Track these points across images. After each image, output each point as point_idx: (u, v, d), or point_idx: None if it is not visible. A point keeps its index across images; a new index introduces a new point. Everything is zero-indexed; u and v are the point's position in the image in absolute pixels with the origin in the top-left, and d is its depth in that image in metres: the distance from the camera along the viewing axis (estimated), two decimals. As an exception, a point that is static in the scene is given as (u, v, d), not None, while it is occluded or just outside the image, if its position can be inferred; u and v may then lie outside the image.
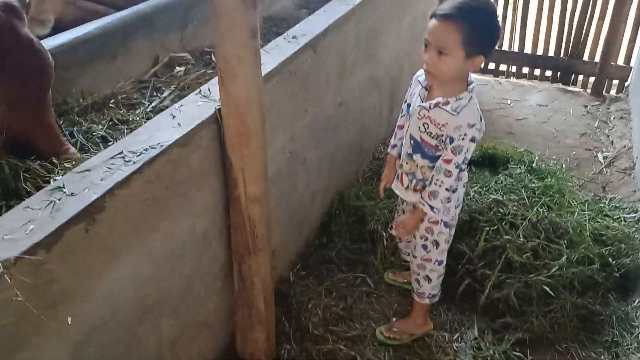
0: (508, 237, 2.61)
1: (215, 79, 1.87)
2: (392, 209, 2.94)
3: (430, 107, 2.08)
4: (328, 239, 3.05)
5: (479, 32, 1.91)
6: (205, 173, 1.89)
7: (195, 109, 1.91)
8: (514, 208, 2.69)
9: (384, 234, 2.91)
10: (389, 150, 2.44)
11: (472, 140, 2.03)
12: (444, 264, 2.42)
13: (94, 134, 2.32)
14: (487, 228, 2.66)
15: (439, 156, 2.11)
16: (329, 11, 2.81)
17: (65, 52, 2.47)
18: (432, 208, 2.14)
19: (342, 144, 3.18)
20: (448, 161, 2.06)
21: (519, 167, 3.04)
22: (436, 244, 2.33)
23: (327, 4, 2.98)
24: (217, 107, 1.88)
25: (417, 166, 2.22)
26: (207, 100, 1.97)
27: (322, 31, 2.58)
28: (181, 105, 1.93)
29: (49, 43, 2.44)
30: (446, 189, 2.10)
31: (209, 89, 2.03)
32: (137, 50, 2.91)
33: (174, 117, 1.86)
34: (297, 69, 2.41)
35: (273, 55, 2.32)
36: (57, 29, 2.72)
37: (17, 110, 1.91)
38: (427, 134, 2.12)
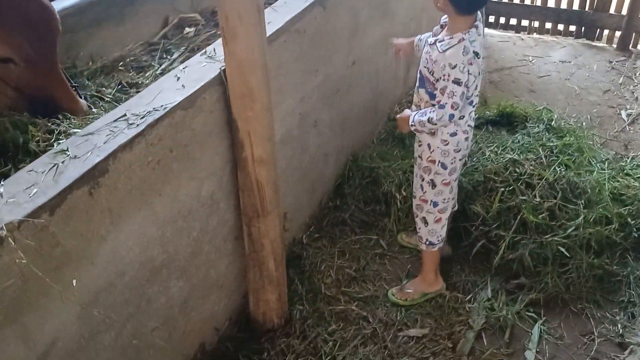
0: (524, 197, 2.56)
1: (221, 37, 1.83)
2: (406, 170, 2.91)
3: (430, 43, 2.20)
4: (341, 201, 3.04)
5: None
6: (210, 135, 1.87)
7: (199, 70, 1.88)
8: (531, 167, 2.63)
9: (398, 196, 2.88)
10: None
11: (456, 82, 2.06)
12: (442, 208, 2.41)
13: (104, 97, 2.31)
14: (503, 188, 2.61)
15: (435, 94, 2.18)
16: (339, -34, 2.72)
17: (72, 14, 2.44)
18: (412, 121, 2.25)
19: (356, 104, 3.12)
20: (438, 101, 2.15)
21: (538, 126, 2.96)
22: (432, 183, 2.35)
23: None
24: (222, 68, 1.85)
25: (421, 99, 2.31)
26: (212, 61, 1.94)
27: (331, -13, 2.50)
28: (185, 67, 1.90)
29: (56, 5, 2.41)
30: (428, 120, 2.18)
31: (214, 50, 2.00)
32: (146, 12, 2.86)
33: (178, 78, 1.83)
34: (306, 27, 2.35)
35: (280, 13, 2.26)
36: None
37: (35, 66, 1.94)
38: (426, 69, 2.20)
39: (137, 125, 1.58)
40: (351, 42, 2.86)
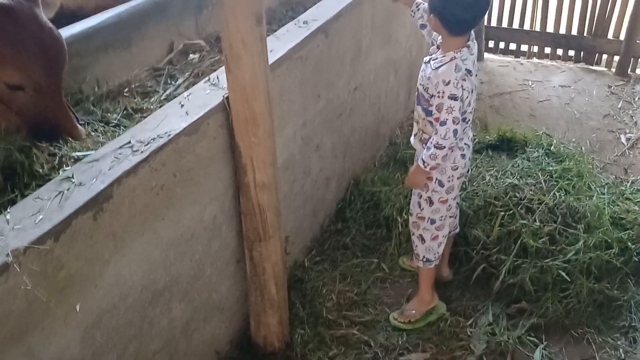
0: (524, 221, 2.58)
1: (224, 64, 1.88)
2: (407, 195, 2.93)
3: (425, 62, 2.28)
4: (343, 225, 3.06)
5: None
6: (213, 160, 1.91)
7: (203, 96, 1.92)
8: (531, 192, 2.65)
9: (399, 220, 2.90)
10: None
11: (452, 97, 2.11)
12: (439, 225, 2.42)
13: (109, 122, 2.35)
14: (503, 213, 2.63)
15: (431, 111, 2.21)
16: (341, -6, 2.78)
17: (80, 41, 2.50)
18: (423, 162, 2.24)
19: (358, 128, 3.16)
20: (437, 119, 2.17)
21: (537, 151, 2.99)
22: (429, 201, 2.38)
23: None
24: (225, 95, 1.89)
25: (419, 116, 2.35)
26: (215, 88, 1.98)
27: (333, 15, 2.56)
28: (190, 94, 1.94)
29: (64, 33, 2.47)
30: (434, 146, 2.18)
31: (217, 77, 2.04)
32: (152, 38, 2.92)
33: (182, 105, 1.87)
34: (308, 55, 2.40)
35: (283, 41, 2.31)
36: (80, 18, 2.75)
37: (43, 93, 1.98)
38: (422, 86, 2.27)
39: (142, 151, 1.61)
40: (353, 68, 2.91)
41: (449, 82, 2.11)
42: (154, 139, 1.68)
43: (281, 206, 2.17)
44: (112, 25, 2.67)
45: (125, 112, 2.48)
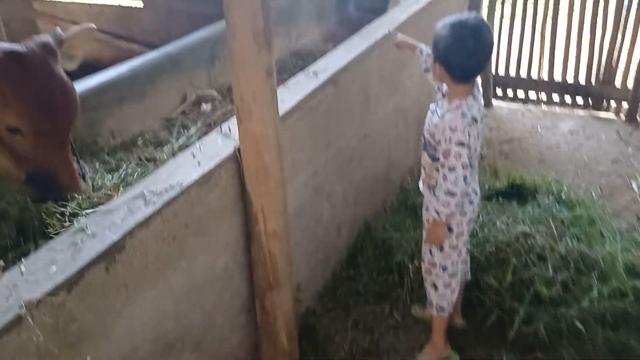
0: (536, 269, 2.55)
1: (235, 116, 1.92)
2: (418, 241, 2.92)
3: (432, 110, 2.31)
4: (355, 271, 3.04)
5: (434, 41, 2.17)
6: (224, 210, 1.93)
7: (215, 147, 1.96)
8: (542, 240, 2.64)
9: (411, 267, 2.88)
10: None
11: (459, 144, 2.12)
12: (451, 272, 2.41)
13: (122, 172, 2.39)
14: (515, 260, 2.61)
15: (438, 157, 2.23)
16: (349, 46, 2.86)
17: (96, 94, 2.59)
18: (437, 212, 2.24)
19: (368, 175, 3.19)
20: (442, 165, 2.19)
21: (547, 197, 2.98)
22: (440, 247, 2.37)
23: (350, 38, 3.03)
24: (236, 146, 1.93)
25: (426, 162, 2.37)
26: (227, 138, 2.02)
27: (342, 66, 2.62)
28: (202, 144, 1.98)
29: (80, 86, 2.55)
30: (445, 193, 2.18)
31: (229, 128, 2.08)
32: (165, 90, 3.01)
33: (194, 156, 1.91)
34: (318, 105, 2.45)
35: (293, 92, 2.36)
36: (95, 68, 2.85)
37: (45, 142, 1.99)
38: (428, 133, 2.30)
39: (154, 202, 1.64)
40: (362, 117, 2.96)
41: (455, 129, 2.13)
42: (166, 190, 1.71)
43: (292, 253, 2.18)
44: (127, 79, 2.76)
45: (139, 161, 2.53)
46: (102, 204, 1.87)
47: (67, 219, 1.82)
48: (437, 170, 2.26)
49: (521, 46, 5.05)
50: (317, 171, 2.58)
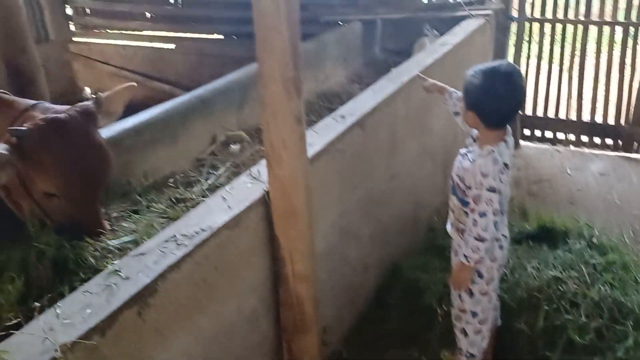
0: (569, 316, 2.49)
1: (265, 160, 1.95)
2: (447, 284, 2.88)
3: (462, 154, 2.31)
4: (382, 313, 3.00)
5: (466, 88, 2.19)
6: (253, 252, 1.95)
7: (245, 190, 1.99)
8: (575, 286, 2.58)
9: (439, 310, 2.84)
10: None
11: (490, 189, 2.11)
12: (481, 319, 2.36)
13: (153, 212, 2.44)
14: (547, 306, 2.55)
15: (467, 202, 2.22)
16: (377, 90, 2.90)
17: (131, 136, 2.65)
18: (465, 257, 2.21)
19: (395, 216, 3.18)
20: (472, 210, 2.17)
21: (579, 242, 2.93)
22: (470, 292, 2.33)
23: (377, 80, 3.08)
24: (266, 189, 1.96)
25: (455, 206, 2.35)
26: (256, 181, 2.05)
27: (369, 110, 2.65)
28: (232, 188, 2.02)
29: (116, 127, 2.63)
30: (474, 238, 2.16)
31: (258, 171, 2.12)
32: (196, 131, 3.07)
33: (224, 199, 1.94)
34: (346, 147, 2.48)
35: (321, 135, 2.40)
36: (128, 108, 2.93)
37: (76, 203, 2.02)
38: (457, 177, 2.28)
39: (186, 245, 1.67)
40: (389, 158, 2.98)
41: (487, 175, 2.12)
42: (197, 233, 1.73)
43: (319, 295, 2.17)
44: (160, 121, 2.84)
45: (169, 201, 2.58)
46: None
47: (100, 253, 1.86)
48: (466, 214, 2.25)
49: (549, 86, 5.05)
50: (345, 212, 2.59)
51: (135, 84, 2.31)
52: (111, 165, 2.10)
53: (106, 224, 2.10)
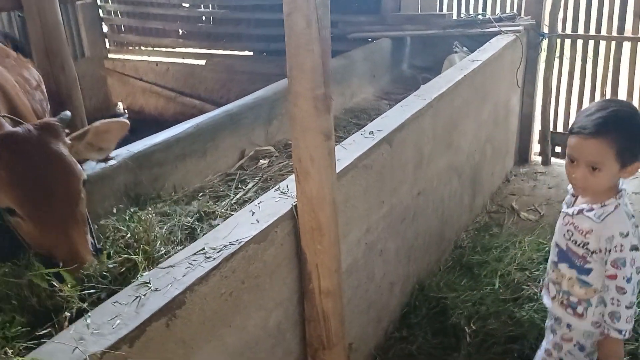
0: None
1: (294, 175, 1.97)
2: (475, 302, 2.85)
3: (573, 214, 2.04)
4: (408, 332, 2.97)
5: (631, 142, 1.88)
6: (279, 267, 1.96)
7: (273, 205, 2.01)
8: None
9: (467, 330, 2.80)
10: None
11: (634, 248, 1.91)
12: None
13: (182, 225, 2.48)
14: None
15: (588, 269, 2.01)
16: (405, 106, 2.90)
17: (161, 150, 2.71)
18: (619, 331, 1.96)
19: (421, 233, 3.17)
20: (614, 277, 1.93)
21: None
22: None
23: (404, 97, 3.09)
24: (294, 204, 1.97)
25: (563, 276, 2.11)
26: (284, 196, 2.07)
27: (397, 126, 2.66)
28: (260, 202, 2.04)
29: (147, 142, 2.69)
30: (626, 307, 1.94)
31: (287, 186, 2.13)
32: (225, 146, 3.12)
33: (252, 213, 1.96)
34: (373, 163, 2.48)
35: (349, 150, 2.41)
36: (160, 122, 3.01)
37: (43, 226, 1.85)
38: (572, 242, 2.04)
39: (214, 259, 1.69)
40: (416, 174, 2.97)
41: (627, 234, 1.89)
42: (225, 246, 1.76)
43: (345, 312, 2.17)
44: (190, 135, 2.89)
45: (198, 215, 2.62)
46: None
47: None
48: (584, 283, 2.03)
49: (580, 103, 4.98)
50: (371, 228, 2.59)
51: (127, 121, 2.17)
52: (76, 184, 1.91)
53: (87, 255, 1.85)
